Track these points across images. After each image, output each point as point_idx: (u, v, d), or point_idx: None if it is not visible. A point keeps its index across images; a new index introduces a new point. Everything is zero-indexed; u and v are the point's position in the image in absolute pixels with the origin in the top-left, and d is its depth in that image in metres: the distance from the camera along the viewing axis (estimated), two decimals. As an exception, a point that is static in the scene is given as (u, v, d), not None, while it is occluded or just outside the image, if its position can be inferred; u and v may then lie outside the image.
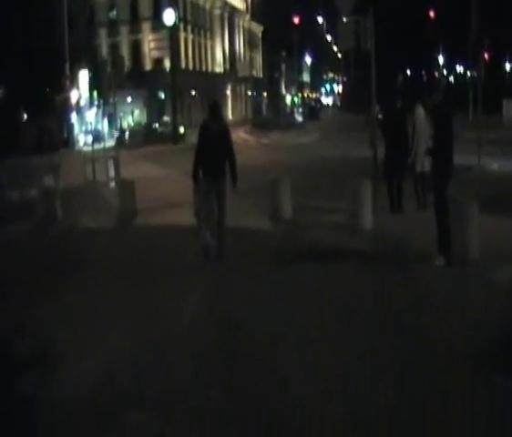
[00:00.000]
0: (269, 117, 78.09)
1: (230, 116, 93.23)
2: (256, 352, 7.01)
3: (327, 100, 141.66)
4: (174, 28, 59.06)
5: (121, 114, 30.64)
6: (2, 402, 6.13)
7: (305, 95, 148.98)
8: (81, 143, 55.00)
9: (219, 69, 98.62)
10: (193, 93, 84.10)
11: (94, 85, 29.26)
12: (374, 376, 6.25)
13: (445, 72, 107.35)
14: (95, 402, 6.06)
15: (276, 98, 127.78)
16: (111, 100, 31.02)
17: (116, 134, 47.67)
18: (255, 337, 7.46)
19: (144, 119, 71.81)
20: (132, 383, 6.39)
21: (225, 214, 10.98)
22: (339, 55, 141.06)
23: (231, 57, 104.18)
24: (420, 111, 15.11)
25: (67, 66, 50.21)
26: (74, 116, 55.33)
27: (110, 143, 43.18)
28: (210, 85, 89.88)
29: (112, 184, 23.59)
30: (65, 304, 9.17)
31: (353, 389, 6.02)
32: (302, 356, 6.83)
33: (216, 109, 11.04)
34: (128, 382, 6.42)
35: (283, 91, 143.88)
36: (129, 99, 63.79)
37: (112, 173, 25.06)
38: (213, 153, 10.64)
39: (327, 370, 6.43)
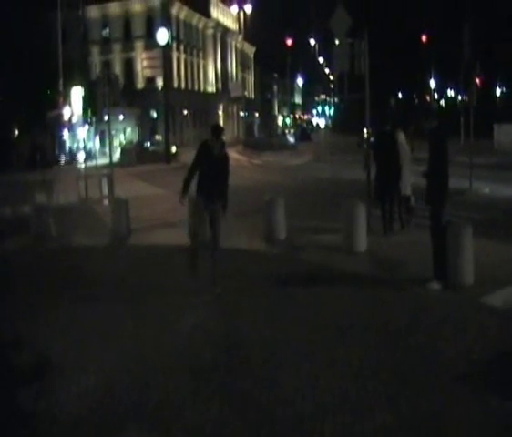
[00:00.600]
0: (261, 138, 78.29)
1: (222, 137, 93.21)
2: (252, 371, 7.05)
3: (319, 122, 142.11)
4: (167, 47, 59.23)
5: (113, 132, 30.69)
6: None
7: (297, 116, 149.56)
8: (73, 160, 54.97)
9: (211, 89, 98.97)
10: (185, 112, 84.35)
11: (87, 102, 29.18)
12: (371, 395, 6.31)
13: (436, 96, 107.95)
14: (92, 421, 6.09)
15: (268, 119, 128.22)
16: (105, 118, 31.04)
17: (108, 152, 47.66)
18: (250, 356, 7.51)
19: (136, 138, 71.84)
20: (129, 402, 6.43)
21: (219, 236, 10.76)
22: (331, 77, 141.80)
23: (224, 77, 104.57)
24: (401, 136, 15.35)
25: (61, 82, 50.24)
26: (66, 134, 55.35)
27: (102, 161, 43.19)
28: (203, 104, 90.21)
29: (106, 202, 23.57)
30: (58, 320, 9.21)
31: (350, 407, 6.08)
32: (298, 375, 6.88)
33: (219, 131, 10.89)
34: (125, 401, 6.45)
35: (275, 112, 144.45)
36: (121, 117, 63.82)
37: (105, 191, 25.03)
38: (211, 175, 10.51)
39: (324, 389, 6.49)
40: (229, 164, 10.86)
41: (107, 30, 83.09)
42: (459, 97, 71.60)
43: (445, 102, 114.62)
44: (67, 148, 57.75)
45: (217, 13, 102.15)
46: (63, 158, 54.39)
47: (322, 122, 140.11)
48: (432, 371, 6.81)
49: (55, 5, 50.45)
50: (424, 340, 7.75)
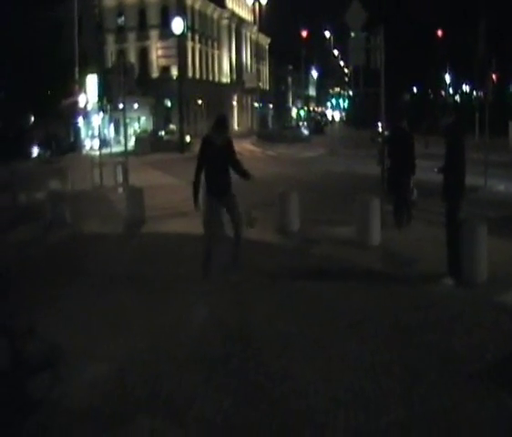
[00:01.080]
0: (275, 130, 78.10)
1: (236, 127, 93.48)
2: (264, 363, 7.09)
3: (334, 115, 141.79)
4: (182, 37, 59.24)
5: (128, 120, 30.85)
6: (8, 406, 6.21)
7: (311, 108, 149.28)
8: (87, 147, 55.17)
9: (225, 79, 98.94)
10: (199, 102, 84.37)
11: (102, 90, 29.29)
12: (383, 390, 6.34)
13: (451, 91, 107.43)
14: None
15: (282, 111, 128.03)
16: (120, 106, 31.14)
17: (122, 140, 47.83)
18: (263, 348, 7.55)
19: (150, 127, 71.94)
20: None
21: (240, 222, 10.71)
22: (345, 70, 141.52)
23: (238, 68, 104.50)
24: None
25: (77, 70, 50.38)
26: (81, 121, 55.53)
27: (116, 149, 43.30)
28: (217, 95, 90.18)
29: (120, 190, 23.67)
30: (71, 308, 9.29)
31: (362, 402, 6.11)
32: (310, 368, 6.91)
33: (223, 124, 10.66)
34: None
35: (290, 104, 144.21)
36: (136, 106, 63.92)
37: (120, 179, 25.15)
38: (218, 168, 10.38)
39: (336, 383, 6.52)
40: (233, 147, 10.66)
41: (123, 19, 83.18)
42: (474, 93, 71.27)
43: (460, 98, 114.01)
44: (82, 136, 57.94)
45: (232, 3, 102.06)
46: (78, 145, 54.58)
47: (336, 115, 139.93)
48: (445, 368, 6.82)
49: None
50: (437, 337, 7.75)
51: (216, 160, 10.33)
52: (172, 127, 69.29)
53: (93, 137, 57.69)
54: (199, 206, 10.51)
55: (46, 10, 59.32)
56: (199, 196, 10.44)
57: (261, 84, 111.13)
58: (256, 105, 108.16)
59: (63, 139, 55.45)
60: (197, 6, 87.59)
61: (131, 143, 51.74)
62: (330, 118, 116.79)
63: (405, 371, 6.77)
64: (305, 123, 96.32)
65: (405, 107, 76.01)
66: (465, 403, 6.03)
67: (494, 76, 28.56)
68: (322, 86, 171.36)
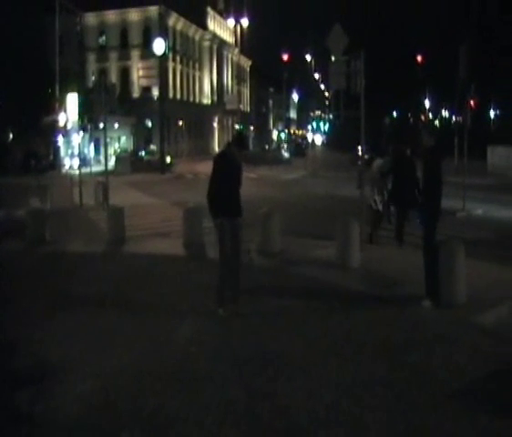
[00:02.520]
0: (256, 152, 78.34)
1: (216, 148, 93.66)
2: (246, 382, 7.12)
3: (315, 138, 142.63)
4: (163, 57, 59.41)
5: (108, 140, 30.85)
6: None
7: (292, 131, 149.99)
8: (67, 166, 54.97)
9: (206, 101, 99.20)
10: (180, 123, 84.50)
11: (83, 109, 29.32)
12: (365, 409, 6.39)
13: (430, 115, 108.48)
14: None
15: (263, 133, 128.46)
16: (100, 125, 31.13)
17: (102, 159, 47.75)
18: (244, 367, 7.57)
19: (131, 146, 71.87)
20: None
21: (241, 251, 10.11)
22: (326, 94, 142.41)
23: (219, 90, 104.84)
24: (378, 161, 16.12)
25: (57, 88, 50.31)
26: (60, 140, 55.37)
27: (96, 168, 43.20)
28: (198, 115, 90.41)
29: (100, 209, 23.64)
30: (52, 325, 9.29)
31: (343, 420, 6.15)
32: (292, 387, 6.94)
33: (244, 144, 10.10)
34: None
35: (271, 126, 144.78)
36: (116, 125, 63.92)
37: (100, 198, 25.13)
38: (231, 189, 9.72)
39: (318, 402, 6.56)
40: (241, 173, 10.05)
41: (104, 38, 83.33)
42: (453, 118, 72.04)
43: (440, 122, 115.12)
44: (62, 154, 57.75)
45: (214, 25, 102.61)
46: (58, 164, 54.38)
47: (318, 138, 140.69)
48: (425, 388, 6.89)
49: (53, 10, 50.48)
50: (417, 357, 7.83)
51: (233, 179, 9.73)
52: (153, 147, 69.31)
53: (73, 155, 57.52)
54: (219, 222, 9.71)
55: (26, 25, 59.30)
56: (217, 213, 9.68)
57: (241, 106, 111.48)
58: (237, 126, 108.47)
59: (43, 157, 55.21)
60: (179, 27, 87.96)
61: (112, 162, 51.65)
62: (311, 141, 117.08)
63: (386, 391, 6.82)
64: (286, 145, 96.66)
65: (388, 131, 76.57)
66: (444, 422, 6.09)
67: (472, 102, 28.91)
68: (303, 108, 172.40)
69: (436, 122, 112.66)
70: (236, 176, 9.77)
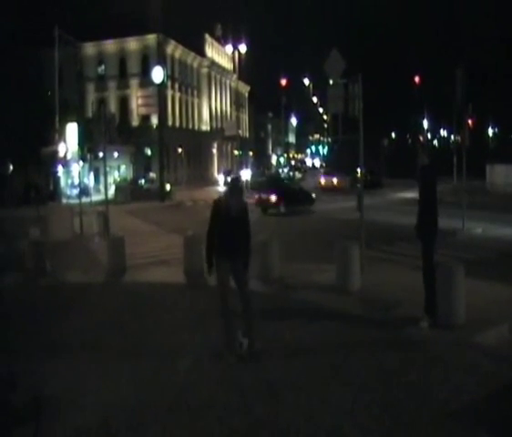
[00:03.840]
0: (255, 177, 78.61)
1: (215, 175, 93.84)
2: (247, 408, 7.13)
3: (314, 162, 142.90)
4: (162, 86, 59.66)
5: (108, 169, 30.95)
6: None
7: (291, 155, 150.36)
8: (67, 196, 55.05)
9: (205, 127, 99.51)
10: (179, 150, 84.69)
11: (82, 139, 29.47)
12: (364, 431, 6.40)
13: (429, 136, 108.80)
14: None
15: (262, 158, 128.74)
16: (100, 155, 31.24)
17: (102, 188, 47.87)
18: (245, 393, 7.59)
19: (130, 175, 71.98)
20: None
21: (250, 296, 9.69)
22: (325, 117, 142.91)
23: (218, 116, 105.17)
24: None
25: (57, 119, 50.54)
26: (60, 170, 55.51)
27: (96, 197, 43.29)
28: (197, 142, 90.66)
29: (101, 239, 23.67)
30: (53, 358, 9.30)
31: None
32: (292, 410, 6.97)
33: (237, 190, 9.50)
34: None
35: (269, 151, 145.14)
36: (116, 154, 64.07)
37: (101, 228, 25.18)
38: (231, 232, 9.29)
39: (318, 424, 6.58)
40: (248, 215, 9.62)
41: (103, 67, 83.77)
42: (452, 138, 72.20)
43: (438, 142, 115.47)
44: (62, 184, 57.88)
45: (212, 52, 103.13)
46: (58, 195, 54.50)
47: (317, 162, 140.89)
48: (424, 409, 6.91)
49: (51, 42, 50.82)
50: (416, 379, 7.86)
51: (230, 227, 9.26)
52: (152, 175, 69.39)
53: (73, 185, 57.64)
54: (213, 270, 9.38)
55: (25, 58, 59.71)
56: (212, 261, 9.34)
57: (240, 131, 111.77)
58: (236, 152, 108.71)
59: (42, 188, 55.33)
60: (177, 55, 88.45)
61: (111, 191, 51.75)
62: (310, 165, 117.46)
63: (385, 412, 6.84)
64: (285, 170, 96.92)
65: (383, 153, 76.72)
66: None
67: (470, 121, 29.02)
68: (302, 132, 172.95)
69: (435, 142, 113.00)
70: (234, 221, 9.26)
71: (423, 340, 9.61)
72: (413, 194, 15.36)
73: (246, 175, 76.68)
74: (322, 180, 59.18)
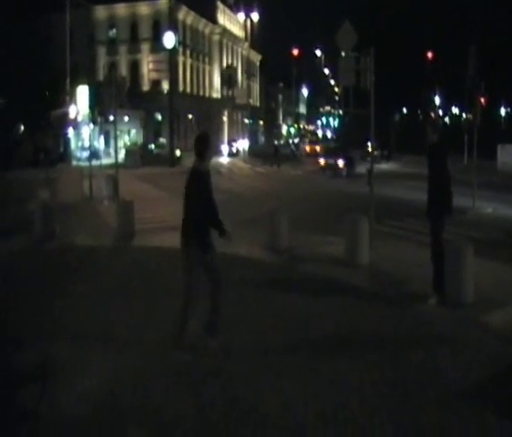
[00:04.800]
0: (252, 147, 78.43)
1: (225, 142, 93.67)
2: (252, 379, 7.16)
3: (324, 133, 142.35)
4: (173, 51, 59.44)
5: (118, 133, 30.96)
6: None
7: (301, 126, 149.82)
8: (77, 159, 55.11)
9: (216, 95, 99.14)
10: (190, 117, 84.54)
11: (93, 102, 29.47)
12: (371, 408, 6.42)
13: (440, 112, 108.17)
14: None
15: (272, 128, 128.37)
16: (110, 118, 31.21)
17: (112, 152, 47.87)
18: (250, 363, 7.62)
19: (140, 140, 71.96)
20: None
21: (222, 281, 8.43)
22: (336, 89, 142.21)
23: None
24: None
25: (68, 81, 50.45)
26: (71, 132, 55.50)
27: (106, 161, 43.31)
28: (207, 110, 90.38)
29: (110, 202, 23.71)
30: (61, 320, 9.35)
31: (351, 419, 6.18)
32: (299, 385, 6.98)
33: (204, 149, 8.12)
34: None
35: (280, 121, 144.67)
36: (126, 119, 63.97)
37: (110, 191, 25.21)
38: (209, 207, 8.09)
39: (325, 400, 6.59)
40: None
41: (114, 31, 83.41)
42: (463, 116, 71.82)
43: (450, 119, 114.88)
44: (72, 147, 57.90)
45: (224, 19, 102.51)
46: (68, 157, 54.55)
47: (327, 134, 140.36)
48: (432, 387, 6.90)
49: (62, 5, 50.58)
50: (424, 356, 7.84)
51: (208, 200, 8.10)
52: (162, 140, 69.46)
53: (83, 148, 57.66)
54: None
55: (36, 21, 59.58)
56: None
57: (251, 100, 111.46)
58: (246, 121, 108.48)
59: (52, 150, 55.35)
60: (188, 21, 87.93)
61: (121, 156, 51.79)
62: (320, 137, 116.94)
63: (393, 390, 6.84)
64: (295, 140, 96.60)
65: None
66: (451, 422, 6.11)
67: (483, 100, 28.80)
68: (313, 104, 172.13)
69: (446, 119, 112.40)
70: (210, 191, 8.17)
71: (431, 317, 9.60)
72: (421, 170, 15.27)
73: (243, 144, 76.79)
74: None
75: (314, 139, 79.81)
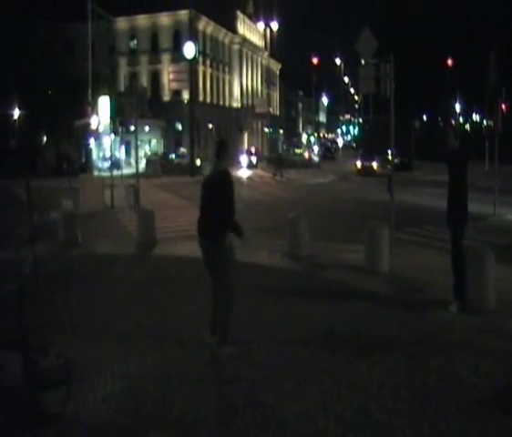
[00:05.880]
0: (285, 155, 78.40)
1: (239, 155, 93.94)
2: (274, 385, 7.20)
3: (344, 141, 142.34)
4: (193, 61, 59.69)
5: (139, 143, 31.18)
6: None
7: (321, 135, 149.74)
8: (99, 169, 55.50)
9: (236, 104, 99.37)
10: (210, 126, 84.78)
11: (114, 112, 29.73)
12: (391, 413, 6.44)
13: (461, 119, 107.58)
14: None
15: (292, 136, 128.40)
16: (131, 128, 31.44)
17: (133, 162, 48.16)
18: (272, 370, 7.65)
19: (161, 149, 72.32)
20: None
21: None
22: (356, 97, 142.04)
23: (249, 93, 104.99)
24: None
25: (90, 92, 50.85)
26: (92, 142, 55.90)
27: (127, 171, 43.61)
28: (227, 119, 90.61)
29: (131, 211, 23.87)
30: (84, 326, 9.45)
31: (370, 424, 6.20)
32: (320, 391, 7.01)
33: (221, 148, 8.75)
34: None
35: (300, 129, 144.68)
36: (147, 128, 64.32)
37: (131, 201, 25.37)
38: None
39: (345, 405, 6.63)
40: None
41: (135, 42, 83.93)
42: (484, 122, 71.42)
43: (470, 126, 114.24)
44: (94, 157, 58.33)
45: (243, 29, 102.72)
46: (90, 167, 55.00)
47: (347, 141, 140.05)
48: (452, 393, 6.91)
49: (84, 16, 51.04)
50: (444, 363, 7.84)
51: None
52: (183, 150, 69.67)
53: (104, 158, 58.05)
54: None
55: (59, 32, 60.21)
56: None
57: (271, 109, 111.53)
58: (266, 130, 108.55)
59: (74, 160, 55.86)
60: (208, 31, 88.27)
61: (142, 165, 52.11)
62: (340, 145, 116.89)
63: (413, 396, 6.86)
64: (315, 149, 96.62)
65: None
66: (471, 429, 6.11)
67: (503, 106, 28.68)
68: (333, 112, 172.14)
69: (467, 126, 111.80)
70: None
71: (452, 324, 9.59)
72: (441, 177, 15.24)
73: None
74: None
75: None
